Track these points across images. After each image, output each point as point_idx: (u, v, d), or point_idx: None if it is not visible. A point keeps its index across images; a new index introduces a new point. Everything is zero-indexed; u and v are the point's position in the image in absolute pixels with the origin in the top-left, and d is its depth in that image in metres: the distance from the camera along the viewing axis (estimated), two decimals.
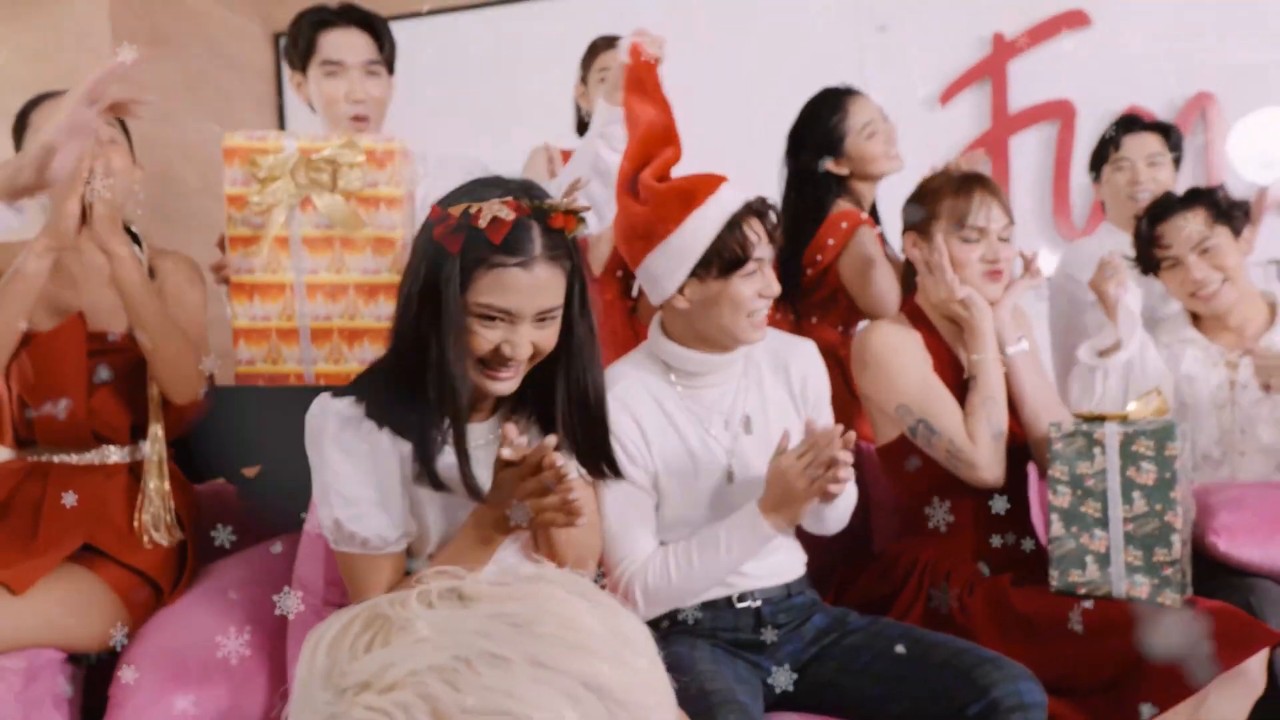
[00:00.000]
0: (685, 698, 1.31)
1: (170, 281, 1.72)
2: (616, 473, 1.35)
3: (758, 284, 1.47)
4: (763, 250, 1.48)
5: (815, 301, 2.11)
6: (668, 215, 1.45)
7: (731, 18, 3.27)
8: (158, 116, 2.96)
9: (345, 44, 1.83)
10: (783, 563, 1.58)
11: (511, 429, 1.21)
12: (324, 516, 1.26)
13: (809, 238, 2.08)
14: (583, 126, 2.44)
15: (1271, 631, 1.46)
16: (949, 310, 1.73)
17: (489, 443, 1.30)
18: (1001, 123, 3.18)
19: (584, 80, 2.43)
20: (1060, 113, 3.14)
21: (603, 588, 0.55)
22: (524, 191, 1.21)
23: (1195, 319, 1.96)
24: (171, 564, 1.61)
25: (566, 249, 1.25)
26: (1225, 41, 2.97)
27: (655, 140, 1.52)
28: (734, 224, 1.45)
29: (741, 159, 2.52)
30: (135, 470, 1.66)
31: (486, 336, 1.21)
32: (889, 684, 1.43)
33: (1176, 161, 2.29)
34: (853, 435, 1.37)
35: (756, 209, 1.49)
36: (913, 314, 1.81)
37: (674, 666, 1.35)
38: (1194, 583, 1.62)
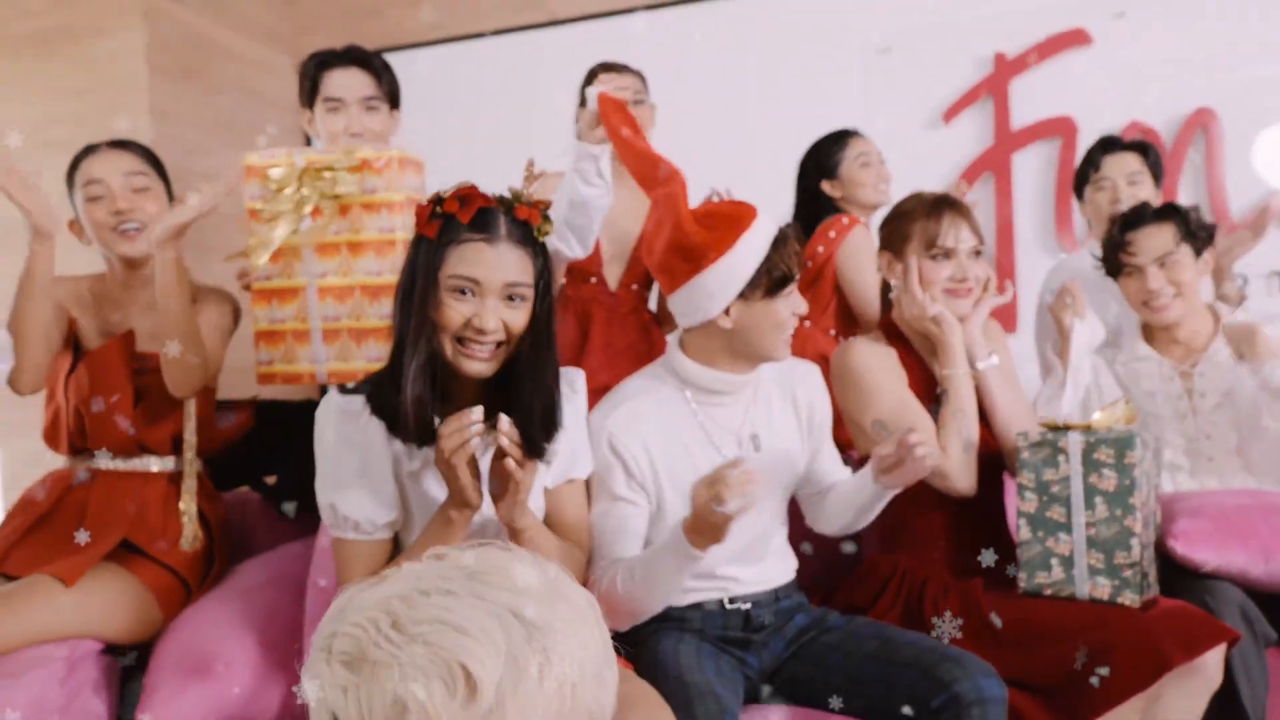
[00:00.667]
0: (666, 686, 1.44)
1: (211, 316, 1.87)
2: (541, 456, 1.38)
3: (794, 303, 1.59)
4: (797, 271, 1.60)
5: (809, 302, 2.25)
6: (720, 240, 1.54)
7: (736, 41, 3.41)
8: (189, 149, 3.16)
9: (345, 83, 1.99)
10: (772, 570, 1.69)
11: (505, 419, 1.31)
12: (322, 501, 1.40)
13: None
14: None
15: (1226, 629, 1.56)
16: (922, 327, 1.84)
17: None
18: (1004, 140, 3.28)
19: (584, 105, 2.58)
20: (1062, 130, 3.23)
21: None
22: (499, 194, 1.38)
23: (1147, 334, 2.05)
24: (200, 564, 1.77)
25: (534, 242, 1.39)
26: (1225, 58, 3.05)
27: (647, 167, 1.65)
28: (778, 244, 1.57)
29: (747, 180, 2.68)
30: (173, 479, 1.83)
31: (459, 309, 1.33)
32: (858, 680, 1.54)
33: (1156, 179, 2.38)
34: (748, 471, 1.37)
35: (790, 233, 1.60)
36: (889, 330, 1.92)
37: (659, 658, 1.49)
38: (1160, 584, 1.73)
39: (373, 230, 1.75)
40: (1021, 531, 1.69)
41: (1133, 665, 1.51)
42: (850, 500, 1.70)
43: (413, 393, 1.32)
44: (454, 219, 1.34)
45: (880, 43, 3.35)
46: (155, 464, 1.82)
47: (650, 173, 1.63)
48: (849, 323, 2.32)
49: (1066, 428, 1.68)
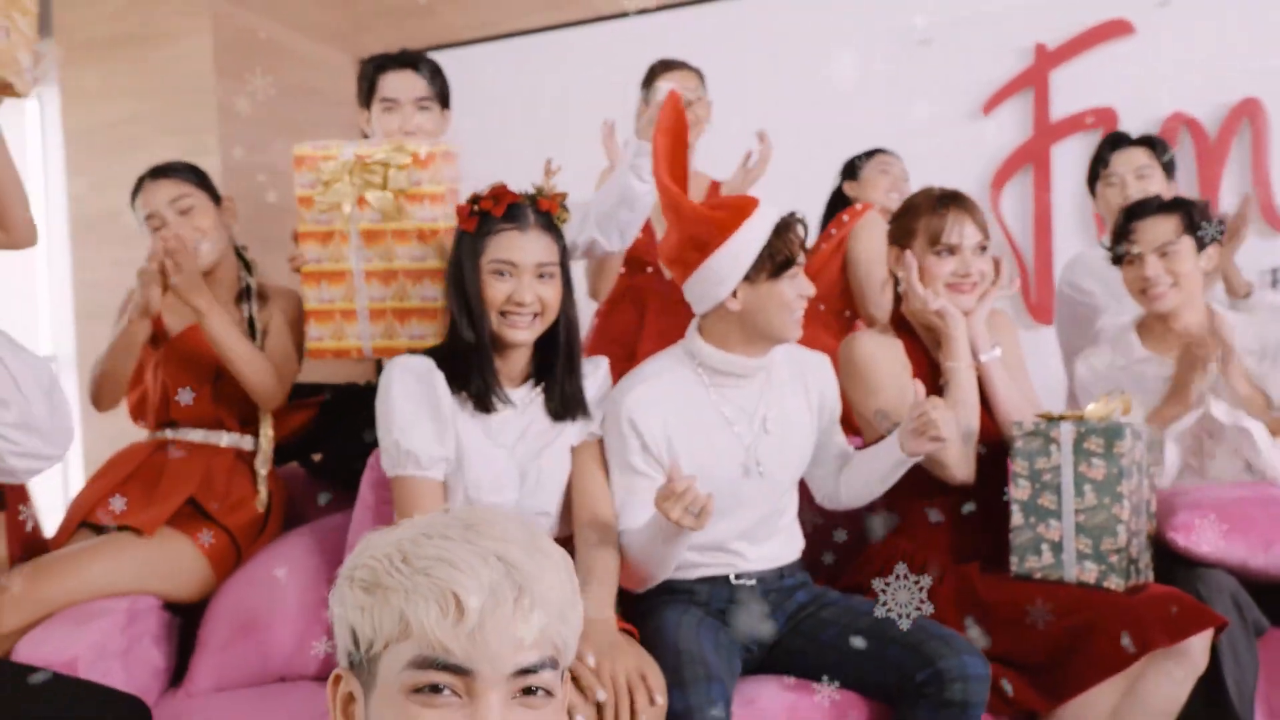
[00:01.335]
0: (662, 653, 1.57)
1: (278, 314, 2.08)
2: (586, 414, 1.72)
3: (800, 285, 1.69)
4: (801, 257, 1.71)
5: (823, 286, 2.35)
6: (726, 226, 1.66)
7: (777, 34, 3.47)
8: (253, 146, 3.37)
9: (400, 84, 2.13)
10: (778, 550, 1.80)
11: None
12: (386, 442, 1.62)
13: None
14: None
15: (1214, 615, 1.62)
16: (926, 320, 1.91)
17: (523, 403, 1.69)
18: (1043, 131, 3.29)
19: (645, 101, 2.66)
20: (1102, 120, 3.23)
21: None
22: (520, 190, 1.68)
23: (1143, 333, 2.08)
24: (253, 530, 1.96)
25: (555, 228, 1.68)
26: (1272, 47, 3.02)
27: (678, 169, 1.76)
28: (781, 230, 1.68)
29: (789, 171, 2.78)
30: (239, 454, 2.02)
31: (499, 288, 1.62)
32: (850, 654, 1.64)
33: (1167, 171, 2.40)
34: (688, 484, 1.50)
35: (794, 219, 1.72)
36: (897, 322, 2.00)
37: (661, 626, 1.61)
38: (1157, 573, 1.79)
39: (417, 219, 1.89)
40: (1014, 517, 1.76)
41: (1113, 646, 1.58)
42: (868, 469, 1.79)
43: (479, 360, 1.62)
44: (490, 214, 1.63)
45: (921, 34, 3.38)
46: (225, 439, 2.02)
47: (681, 176, 1.75)
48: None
49: (1060, 418, 1.74)
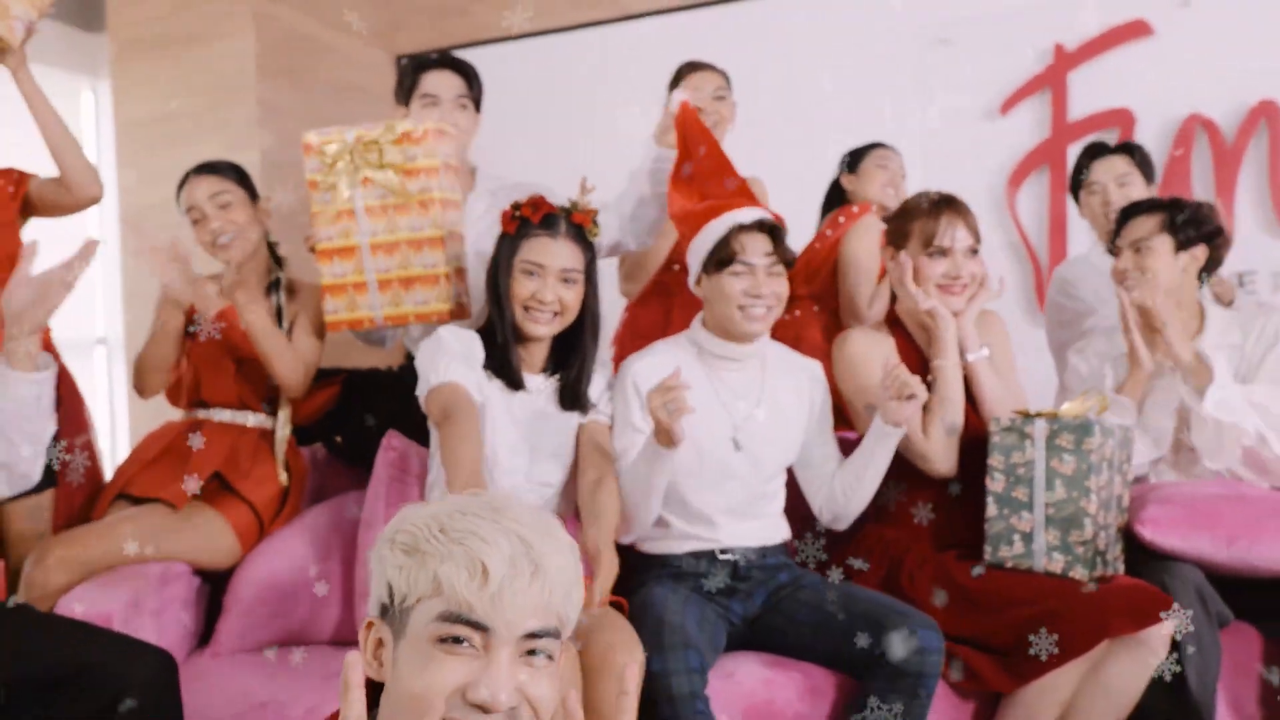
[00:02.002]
0: (647, 624, 1.69)
1: (303, 308, 2.22)
2: (584, 410, 1.88)
3: (745, 283, 1.83)
4: (756, 259, 1.84)
5: (818, 287, 2.44)
6: (695, 224, 1.91)
7: (797, 34, 3.56)
8: (294, 141, 3.54)
9: (441, 82, 2.26)
10: (762, 531, 1.92)
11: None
12: (428, 370, 1.77)
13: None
14: None
15: (1174, 604, 1.70)
16: (918, 318, 2.01)
17: (538, 389, 1.85)
18: (1060, 132, 3.34)
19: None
20: (1119, 121, 3.27)
21: None
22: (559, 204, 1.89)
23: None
24: (275, 505, 2.11)
25: (585, 240, 1.86)
26: None
27: (709, 172, 1.95)
28: (733, 234, 1.85)
29: (808, 170, 2.87)
30: (263, 434, 2.17)
31: (526, 285, 1.81)
32: (819, 630, 1.76)
33: (1147, 177, 2.46)
34: None
35: (760, 225, 1.86)
36: (891, 321, 2.10)
37: (649, 600, 1.75)
38: (1129, 565, 1.87)
39: (414, 192, 2.02)
40: (989, 508, 1.85)
41: (1075, 632, 1.68)
42: (858, 459, 1.90)
43: (505, 346, 1.83)
44: (528, 220, 1.84)
45: (940, 33, 3.44)
46: (251, 419, 2.18)
47: (709, 178, 1.93)
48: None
49: (1036, 415, 1.83)
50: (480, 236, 2.17)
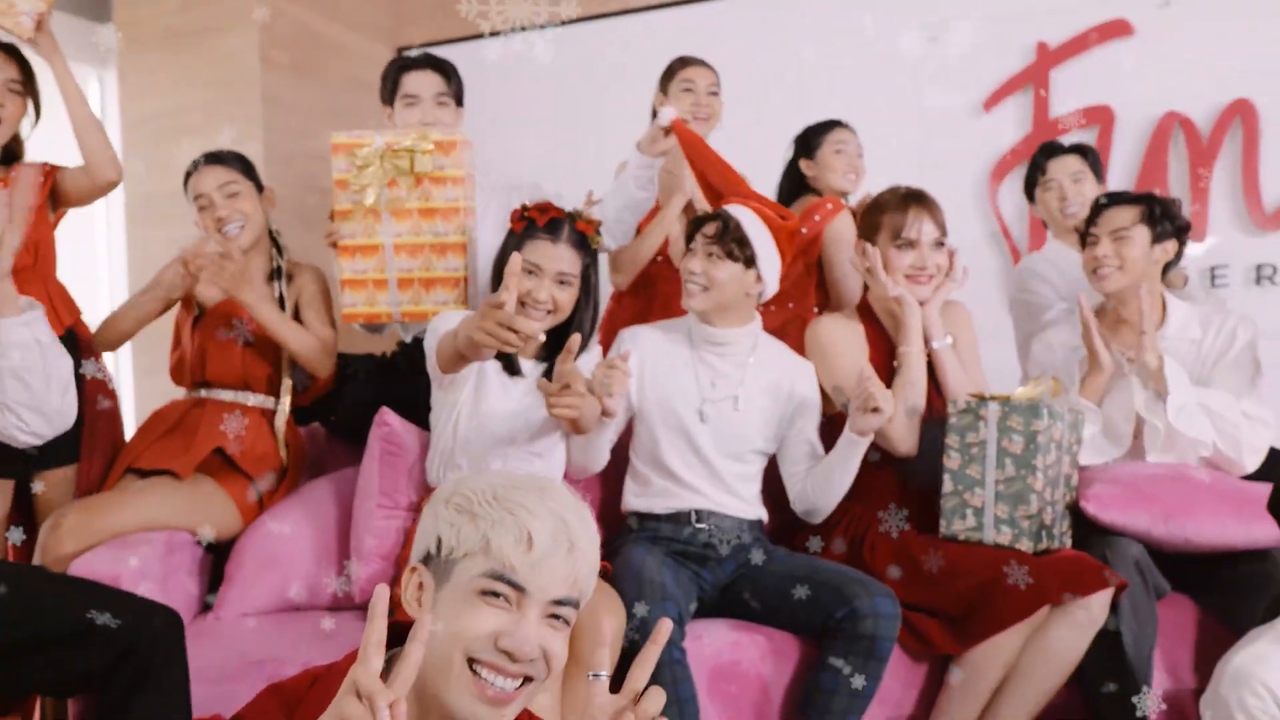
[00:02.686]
0: (627, 578, 1.84)
1: (305, 289, 2.35)
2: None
3: (688, 264, 2.04)
4: (697, 245, 2.04)
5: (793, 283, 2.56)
6: None
7: (792, 32, 3.68)
8: (296, 133, 3.66)
9: (421, 81, 2.39)
10: (736, 505, 2.07)
11: (576, 337, 1.77)
12: (436, 331, 1.93)
13: None
14: None
15: (1114, 576, 1.83)
16: (886, 306, 2.14)
17: (530, 374, 1.99)
18: (1042, 128, 3.45)
19: (665, 91, 2.78)
20: (1100, 118, 3.38)
21: None
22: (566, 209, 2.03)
23: (1099, 319, 2.26)
24: (275, 479, 2.25)
25: (586, 246, 1.98)
26: (1265, 50, 3.15)
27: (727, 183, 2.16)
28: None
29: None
30: (264, 413, 2.31)
31: (524, 283, 1.91)
32: (782, 599, 1.90)
33: (1097, 176, 2.62)
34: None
35: (702, 219, 2.06)
36: (863, 309, 2.23)
37: (629, 558, 1.92)
38: (1076, 540, 2.00)
39: (441, 200, 2.17)
40: (945, 484, 1.99)
41: (1016, 599, 1.81)
42: (829, 460, 2.03)
43: None
44: (534, 222, 1.96)
45: (927, 32, 3.56)
46: (253, 399, 2.31)
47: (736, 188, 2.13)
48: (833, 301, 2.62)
49: (990, 398, 1.96)
50: (475, 227, 2.31)
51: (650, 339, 2.11)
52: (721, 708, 1.83)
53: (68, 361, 1.69)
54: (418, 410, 2.16)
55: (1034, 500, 1.89)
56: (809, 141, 2.73)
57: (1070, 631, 1.83)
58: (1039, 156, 2.67)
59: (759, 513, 2.10)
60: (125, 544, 1.94)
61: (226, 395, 2.30)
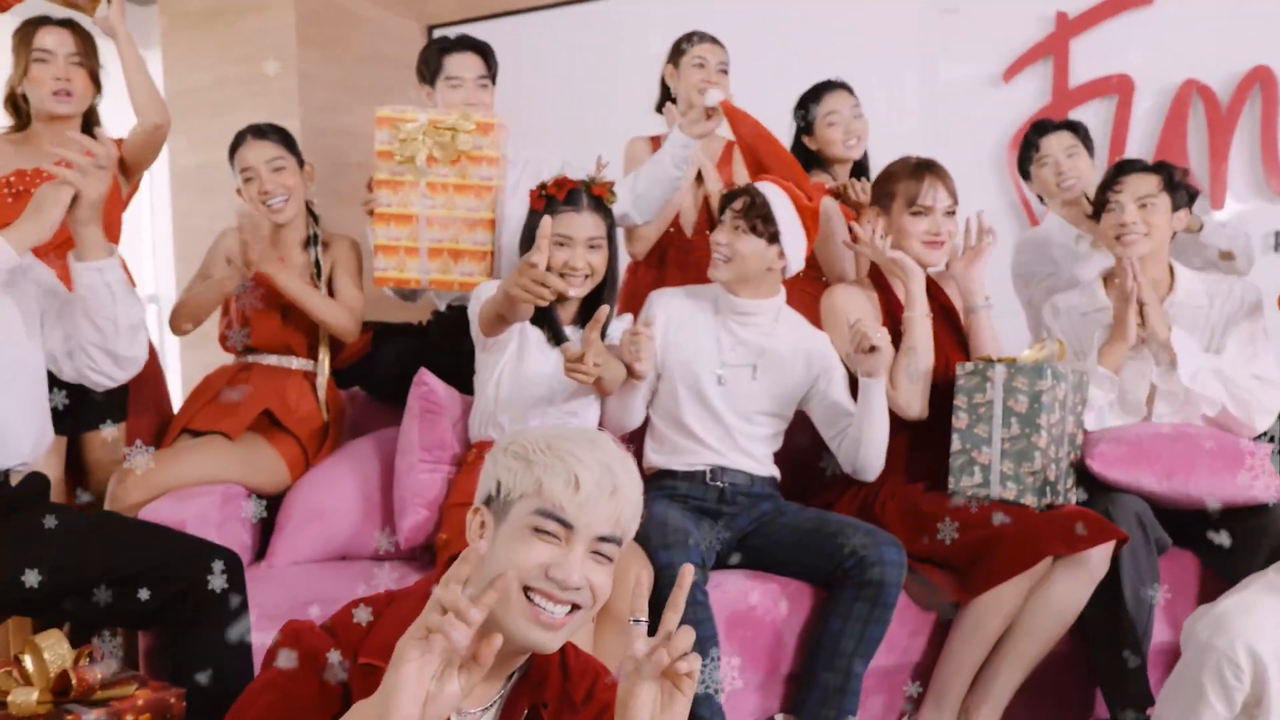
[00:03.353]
0: (651, 526, 1.96)
1: (341, 257, 2.48)
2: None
3: (717, 235, 2.16)
4: (725, 218, 2.15)
5: None
6: None
7: (808, 5, 3.74)
8: (329, 108, 3.78)
9: (464, 64, 2.50)
10: (750, 464, 2.18)
11: (604, 309, 1.92)
12: (479, 297, 2.09)
13: None
14: (663, 103, 2.91)
15: (1111, 531, 1.94)
16: (890, 270, 2.23)
17: (570, 337, 2.10)
18: (1061, 98, 3.50)
19: (675, 64, 2.84)
20: (1119, 87, 3.43)
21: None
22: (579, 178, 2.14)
23: (1106, 287, 2.33)
24: (318, 438, 2.40)
25: (604, 209, 2.12)
26: None
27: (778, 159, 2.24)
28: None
29: None
30: (306, 375, 2.45)
31: (559, 255, 2.06)
32: (795, 549, 2.03)
33: (1089, 151, 2.70)
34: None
35: (732, 194, 2.15)
36: (876, 277, 2.32)
37: (653, 509, 2.10)
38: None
39: (476, 177, 2.30)
40: (954, 443, 2.09)
41: (1017, 551, 1.92)
42: (858, 415, 2.12)
43: (546, 306, 2.00)
44: (554, 198, 2.09)
45: (945, 3, 3.61)
46: (296, 362, 2.45)
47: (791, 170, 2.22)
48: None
49: (997, 360, 2.06)
50: (502, 202, 2.43)
51: (677, 303, 2.22)
52: (739, 650, 1.96)
53: (140, 309, 1.82)
54: (451, 374, 2.30)
55: (1038, 458, 1.99)
56: (806, 116, 2.77)
57: (1071, 583, 1.94)
58: (1031, 134, 2.75)
59: (772, 471, 2.21)
60: (185, 495, 2.10)
61: (271, 360, 2.44)
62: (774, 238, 2.11)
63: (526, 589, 1.13)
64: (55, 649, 1.59)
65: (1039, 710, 2.12)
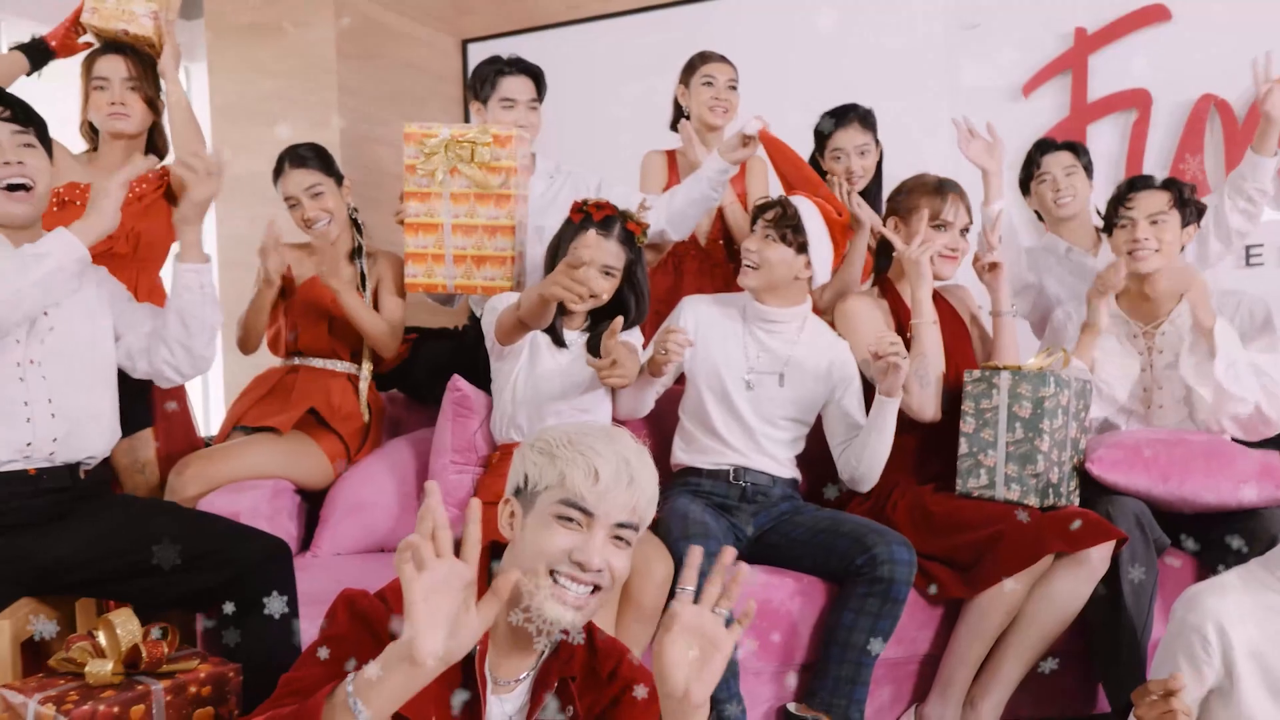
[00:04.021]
0: (672, 519, 2.11)
1: (385, 274, 2.65)
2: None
3: (749, 243, 2.30)
4: (757, 227, 2.29)
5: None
6: None
7: (835, 21, 3.86)
8: (368, 119, 3.96)
9: (517, 86, 2.66)
10: (771, 465, 2.32)
11: (618, 320, 2.05)
12: (495, 308, 2.25)
13: None
14: (676, 120, 3.07)
15: (1110, 531, 2.05)
16: (909, 270, 2.33)
17: (574, 344, 2.27)
18: (1080, 112, 3.61)
19: (686, 84, 3.03)
20: (1137, 101, 3.53)
21: None
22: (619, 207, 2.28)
23: (1118, 295, 2.44)
24: (360, 437, 2.57)
25: (632, 243, 2.25)
26: None
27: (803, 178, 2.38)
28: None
29: None
30: (350, 378, 2.62)
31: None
32: (809, 546, 2.15)
33: (1087, 172, 2.83)
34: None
35: (765, 205, 2.30)
36: (885, 288, 2.45)
37: (675, 503, 2.26)
38: (1086, 499, 2.21)
39: (495, 187, 2.43)
40: (961, 446, 2.22)
41: (1019, 549, 2.04)
42: (866, 426, 2.25)
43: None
44: (590, 216, 2.23)
45: (968, 19, 3.73)
46: (340, 366, 2.62)
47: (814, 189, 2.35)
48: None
49: (1003, 368, 2.18)
50: (539, 213, 2.58)
51: (705, 308, 2.37)
52: (754, 636, 2.09)
53: (219, 316, 2.00)
54: (485, 376, 2.45)
55: (1040, 460, 2.11)
56: (821, 143, 2.87)
57: (1072, 580, 2.06)
58: (1034, 152, 2.88)
59: (793, 473, 2.35)
60: (238, 488, 2.27)
61: (317, 363, 2.61)
62: (802, 248, 2.24)
63: (552, 572, 1.26)
64: (126, 625, 1.76)
65: (1044, 704, 2.24)
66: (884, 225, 2.46)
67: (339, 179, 2.61)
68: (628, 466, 1.28)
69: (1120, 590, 2.08)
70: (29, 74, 2.48)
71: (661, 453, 2.46)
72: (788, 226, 2.24)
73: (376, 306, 2.60)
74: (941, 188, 2.37)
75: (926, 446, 2.34)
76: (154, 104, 2.52)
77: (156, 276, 2.57)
